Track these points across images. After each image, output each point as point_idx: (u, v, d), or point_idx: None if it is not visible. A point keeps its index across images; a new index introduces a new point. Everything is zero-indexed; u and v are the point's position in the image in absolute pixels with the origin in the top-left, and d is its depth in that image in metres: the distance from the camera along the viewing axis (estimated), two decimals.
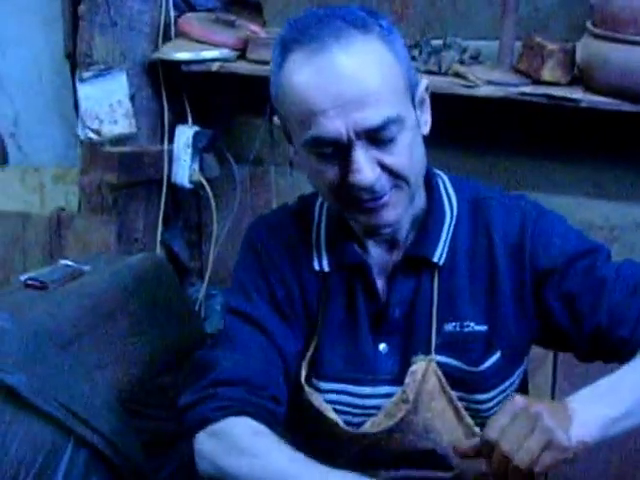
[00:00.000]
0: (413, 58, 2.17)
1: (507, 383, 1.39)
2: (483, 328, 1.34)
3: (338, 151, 1.20)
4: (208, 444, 1.26)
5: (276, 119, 1.31)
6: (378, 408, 1.37)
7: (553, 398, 1.19)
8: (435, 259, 1.33)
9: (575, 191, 2.29)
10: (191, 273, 2.65)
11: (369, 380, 1.37)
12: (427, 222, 1.34)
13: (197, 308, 2.52)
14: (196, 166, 2.41)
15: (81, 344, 1.63)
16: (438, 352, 1.34)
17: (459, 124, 2.21)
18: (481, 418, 1.37)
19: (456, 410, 1.36)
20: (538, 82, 2.05)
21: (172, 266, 2.53)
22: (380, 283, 1.36)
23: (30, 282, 1.75)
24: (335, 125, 1.17)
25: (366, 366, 1.37)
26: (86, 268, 1.86)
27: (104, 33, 2.29)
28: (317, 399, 1.38)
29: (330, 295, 1.37)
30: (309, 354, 1.38)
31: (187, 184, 2.42)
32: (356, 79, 1.17)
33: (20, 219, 2.66)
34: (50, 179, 2.82)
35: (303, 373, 1.38)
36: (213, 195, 2.43)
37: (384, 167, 1.21)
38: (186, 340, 1.93)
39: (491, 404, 1.38)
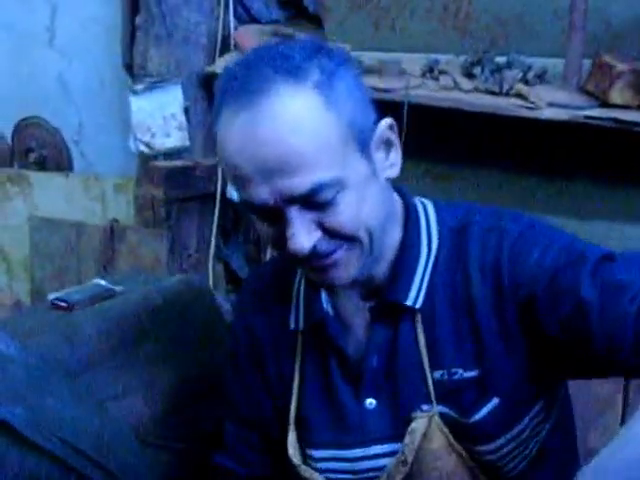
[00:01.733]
0: (474, 76, 2.06)
1: (515, 430, 1.23)
2: (473, 374, 1.19)
3: (273, 214, 1.11)
4: None
5: None
6: (377, 470, 1.25)
7: None
8: (409, 302, 1.20)
9: None
10: None
11: (358, 441, 1.26)
12: (400, 261, 1.22)
13: None
14: None
15: (96, 372, 1.54)
16: (437, 403, 1.21)
17: (522, 147, 2.09)
18: (497, 468, 1.24)
19: (469, 468, 1.24)
20: (606, 105, 1.91)
21: (226, 284, 2.49)
22: (356, 333, 1.25)
23: (56, 302, 1.65)
24: (260, 192, 1.08)
25: (353, 426, 1.25)
26: (118, 289, 1.77)
27: (159, 45, 2.26)
28: (312, 475, 1.29)
29: (306, 353, 1.29)
30: (292, 417, 1.30)
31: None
32: (279, 143, 1.06)
33: (75, 229, 2.65)
34: (111, 188, 2.82)
35: (291, 439, 1.30)
36: None
37: (326, 229, 1.11)
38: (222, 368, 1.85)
39: (503, 451, 1.23)
